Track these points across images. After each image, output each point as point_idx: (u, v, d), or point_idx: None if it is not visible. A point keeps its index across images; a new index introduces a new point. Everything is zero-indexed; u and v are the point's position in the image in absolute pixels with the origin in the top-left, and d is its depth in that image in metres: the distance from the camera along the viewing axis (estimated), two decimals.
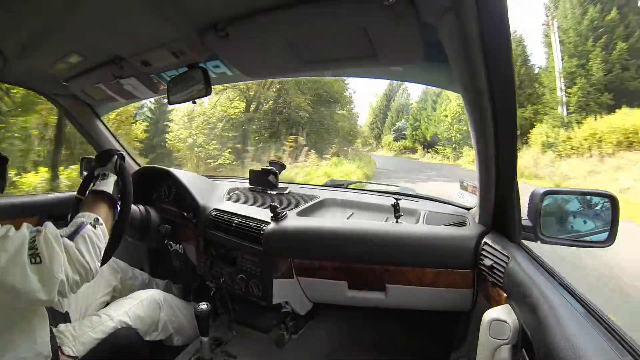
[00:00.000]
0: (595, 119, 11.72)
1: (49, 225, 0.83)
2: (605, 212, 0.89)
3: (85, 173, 1.27)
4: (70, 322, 1.14)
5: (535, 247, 0.94)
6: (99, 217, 0.93)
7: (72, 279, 0.81)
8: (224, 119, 11.23)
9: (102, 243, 0.91)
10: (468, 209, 1.38)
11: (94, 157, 1.78)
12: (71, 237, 0.84)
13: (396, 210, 1.30)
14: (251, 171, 1.78)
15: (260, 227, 1.30)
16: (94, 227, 0.89)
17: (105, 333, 1.11)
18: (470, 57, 0.72)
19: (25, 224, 0.83)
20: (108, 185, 1.02)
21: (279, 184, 1.70)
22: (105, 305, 1.32)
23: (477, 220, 1.16)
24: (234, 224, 1.37)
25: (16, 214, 1.50)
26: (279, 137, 11.54)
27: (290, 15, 0.79)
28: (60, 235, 0.82)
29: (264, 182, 1.71)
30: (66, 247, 0.81)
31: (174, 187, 1.70)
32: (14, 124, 5.09)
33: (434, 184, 10.79)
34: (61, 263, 0.78)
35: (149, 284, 1.63)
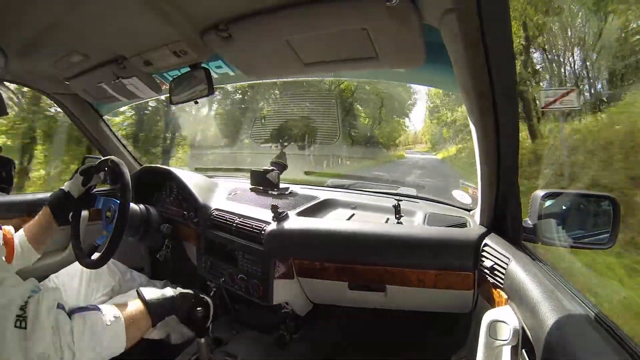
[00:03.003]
0: None
1: (50, 293, 0.75)
2: (606, 213, 0.90)
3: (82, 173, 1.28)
4: None
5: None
6: (120, 316, 0.83)
7: (52, 352, 0.70)
8: None
9: (105, 342, 0.78)
10: (469, 210, 1.38)
11: (96, 156, 1.79)
12: (74, 312, 0.75)
13: (397, 211, 1.30)
14: (252, 171, 1.78)
15: (261, 227, 1.30)
16: (108, 318, 0.79)
17: None
18: (471, 59, 0.72)
19: (32, 281, 0.78)
20: (158, 293, 0.96)
21: (280, 184, 1.71)
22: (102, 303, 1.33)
23: (477, 221, 1.16)
24: (234, 224, 1.38)
25: (19, 212, 1.50)
26: None
27: (292, 16, 0.79)
28: (62, 308, 0.74)
29: (265, 182, 1.71)
30: (58, 322, 0.71)
31: (175, 187, 1.70)
32: None
33: None
34: (43, 337, 0.68)
35: (147, 286, 1.63)
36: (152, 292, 0.98)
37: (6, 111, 0.95)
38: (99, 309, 0.80)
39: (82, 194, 1.24)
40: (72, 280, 1.33)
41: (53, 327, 0.71)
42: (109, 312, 0.82)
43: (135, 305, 0.91)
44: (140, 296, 0.94)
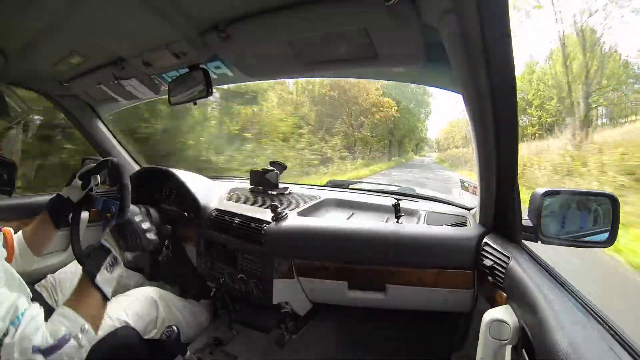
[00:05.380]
0: None
1: (27, 332, 0.72)
2: (606, 212, 0.89)
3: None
4: None
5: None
6: (86, 325, 0.82)
7: None
8: None
9: (82, 354, 0.80)
10: (468, 209, 1.38)
11: (95, 157, 1.78)
12: (47, 353, 0.74)
13: (397, 210, 1.30)
14: (252, 171, 1.78)
15: (260, 227, 1.30)
16: (78, 339, 0.78)
17: (104, 331, 1.11)
18: (471, 58, 0.72)
19: (21, 300, 0.75)
20: (110, 281, 0.92)
21: (280, 184, 1.71)
22: None
23: (477, 220, 1.16)
24: (234, 224, 1.38)
25: (17, 215, 1.50)
26: None
27: (291, 16, 0.79)
28: (37, 350, 0.72)
29: (264, 182, 1.71)
30: None
31: (175, 188, 1.70)
32: None
33: None
34: None
35: (143, 285, 1.63)
36: (107, 280, 0.92)
37: (8, 112, 0.94)
38: (69, 338, 0.78)
39: (81, 197, 1.24)
40: (70, 280, 1.33)
41: None
42: (75, 327, 0.80)
43: (92, 299, 0.88)
44: (95, 286, 0.89)
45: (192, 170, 1.87)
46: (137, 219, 1.03)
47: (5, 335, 0.69)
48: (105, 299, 0.90)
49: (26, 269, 1.14)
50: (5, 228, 1.09)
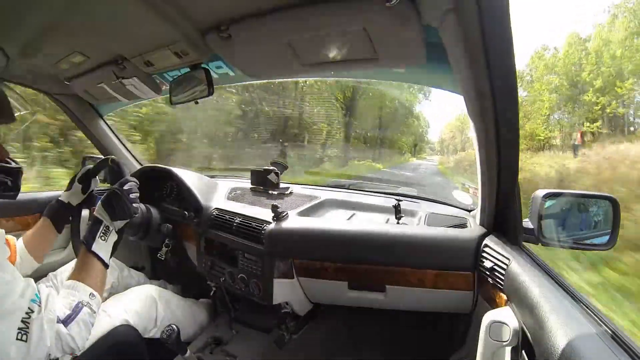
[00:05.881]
0: None
1: (49, 306, 0.78)
2: (606, 214, 0.89)
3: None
4: None
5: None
6: (93, 292, 0.89)
7: (54, 356, 0.78)
8: None
9: (95, 318, 0.88)
10: (469, 210, 1.38)
11: (96, 156, 1.79)
12: (66, 322, 0.80)
13: (397, 211, 1.31)
14: (253, 171, 1.78)
15: (261, 227, 1.30)
16: (90, 305, 0.86)
17: (104, 330, 1.11)
18: (472, 59, 0.72)
19: (31, 281, 0.79)
20: (106, 248, 0.97)
21: (281, 184, 1.71)
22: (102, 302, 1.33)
23: (478, 222, 1.16)
24: (235, 224, 1.38)
25: (19, 211, 1.50)
26: None
27: (292, 17, 0.79)
28: (59, 320, 0.79)
29: (265, 182, 1.71)
30: (58, 334, 0.78)
31: (176, 187, 1.70)
32: None
33: None
34: (45, 350, 0.74)
35: (144, 283, 1.64)
36: (103, 247, 0.97)
37: (13, 117, 0.95)
38: (82, 306, 0.84)
39: (82, 200, 1.24)
40: None
41: (56, 339, 0.76)
42: (85, 295, 0.86)
43: (93, 269, 0.93)
44: (93, 253, 0.94)
45: None
46: (126, 187, 1.07)
47: (30, 312, 0.74)
48: (105, 265, 0.96)
49: (26, 274, 1.15)
50: (7, 236, 1.09)
